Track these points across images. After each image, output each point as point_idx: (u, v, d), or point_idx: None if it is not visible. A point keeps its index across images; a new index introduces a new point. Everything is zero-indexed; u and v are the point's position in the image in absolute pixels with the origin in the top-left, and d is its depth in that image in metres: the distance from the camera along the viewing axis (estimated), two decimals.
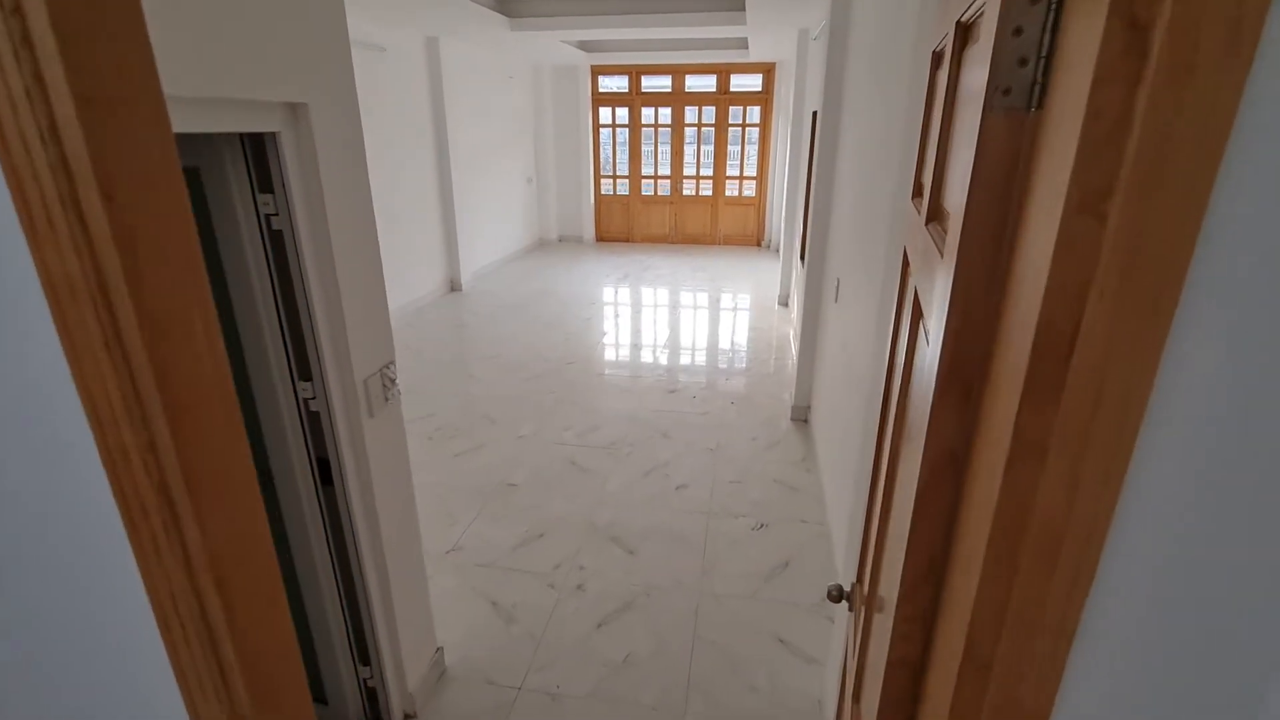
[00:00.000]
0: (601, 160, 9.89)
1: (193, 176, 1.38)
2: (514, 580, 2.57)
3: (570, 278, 7.79)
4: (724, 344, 5.54)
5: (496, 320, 6.11)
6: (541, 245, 9.88)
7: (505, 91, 8.27)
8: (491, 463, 3.48)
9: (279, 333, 1.50)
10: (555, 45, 7.21)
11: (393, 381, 1.71)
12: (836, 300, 3.00)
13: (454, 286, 7.13)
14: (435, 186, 6.69)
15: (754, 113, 9.35)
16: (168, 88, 0.57)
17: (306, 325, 1.48)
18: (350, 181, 1.50)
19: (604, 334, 5.74)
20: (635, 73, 9.32)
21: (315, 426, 1.59)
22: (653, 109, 9.49)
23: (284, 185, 1.37)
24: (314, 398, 1.56)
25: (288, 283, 1.46)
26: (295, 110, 1.35)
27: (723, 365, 5.01)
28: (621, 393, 4.43)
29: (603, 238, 10.15)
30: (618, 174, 9.95)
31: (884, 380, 1.27)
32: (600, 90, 9.51)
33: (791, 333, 5.58)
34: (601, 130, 9.75)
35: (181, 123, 1.11)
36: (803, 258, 5.18)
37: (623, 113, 9.60)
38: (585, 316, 6.21)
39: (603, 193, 10.02)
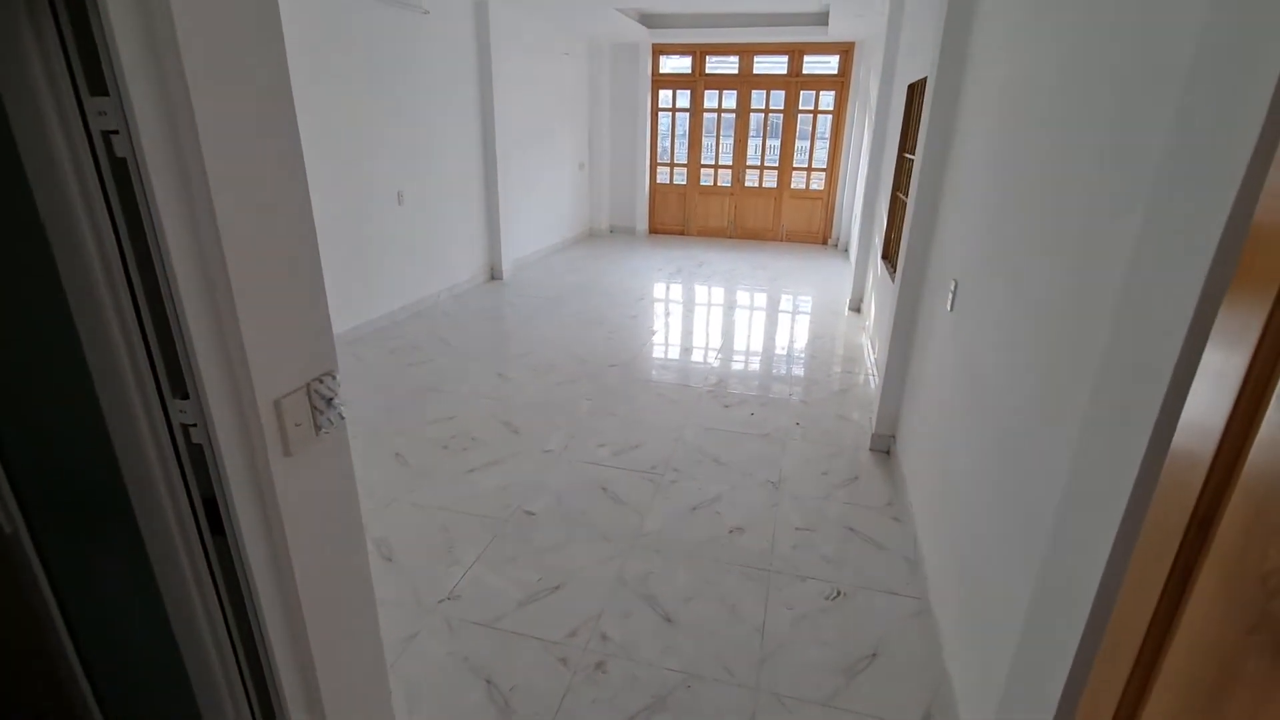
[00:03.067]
0: (659, 147, 9.28)
1: None
2: (517, 649, 2.00)
3: (619, 271, 7.23)
4: (786, 351, 4.86)
5: (536, 314, 5.59)
6: (591, 235, 9.36)
7: (560, 68, 7.76)
8: (510, 483, 2.93)
9: (135, 323, 0.96)
10: (614, 17, 6.64)
11: (329, 402, 1.16)
12: (952, 308, 2.31)
13: (494, 274, 6.67)
14: (479, 166, 6.22)
15: (827, 99, 8.56)
16: None
17: (171, 312, 0.94)
18: (250, 80, 0.94)
19: (652, 333, 5.15)
20: (700, 52, 8.67)
21: (199, 461, 1.06)
22: (717, 93, 8.82)
23: (117, 81, 0.82)
24: (195, 424, 1.02)
25: (144, 244, 0.92)
26: None
27: (784, 376, 4.34)
28: (668, 404, 3.82)
29: (656, 229, 9.55)
30: (675, 162, 9.32)
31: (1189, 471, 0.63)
32: (661, 71, 8.90)
33: (866, 342, 4.86)
34: (661, 115, 9.14)
35: None
36: (887, 258, 4.47)
37: (684, 97, 8.96)
38: (632, 314, 5.63)
39: (659, 181, 9.41)
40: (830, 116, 8.60)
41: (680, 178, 9.34)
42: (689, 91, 8.90)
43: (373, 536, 2.51)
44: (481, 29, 5.83)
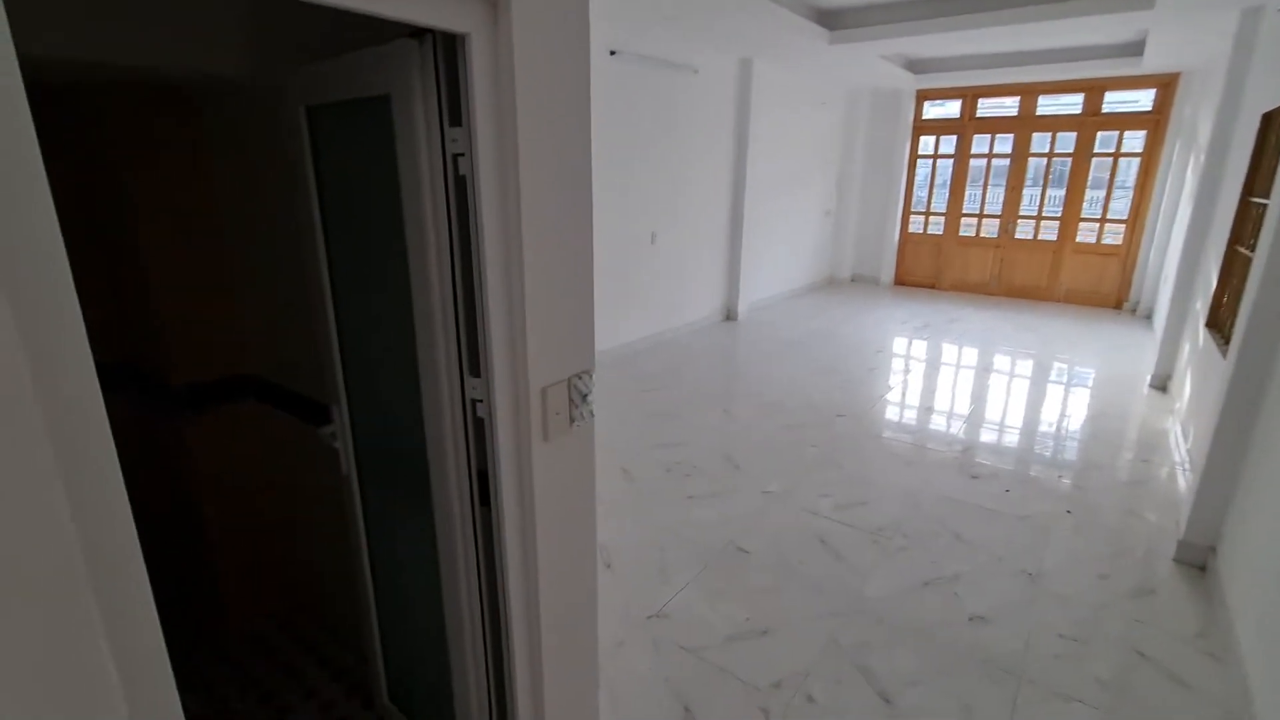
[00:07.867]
0: (915, 195, 8.75)
1: (382, 106, 1.11)
2: (719, 685, 1.95)
3: (858, 322, 6.88)
4: (1056, 428, 4.13)
5: (768, 356, 5.57)
6: (831, 283, 9.10)
7: (814, 118, 7.79)
8: (726, 517, 2.91)
9: (452, 309, 1.16)
10: (878, 64, 6.48)
11: (584, 398, 1.27)
12: None
13: (729, 315, 6.82)
14: (727, 211, 6.48)
15: (1133, 141, 7.28)
16: None
17: (479, 302, 1.12)
18: (561, 119, 1.10)
19: (889, 388, 4.78)
20: (971, 95, 8.03)
21: (480, 434, 1.23)
22: (988, 136, 8.06)
23: (469, 112, 1.02)
24: (482, 400, 1.19)
25: (468, 245, 1.12)
26: (495, 5, 0.99)
27: (1051, 458, 3.69)
28: (902, 465, 3.49)
29: (902, 281, 8.94)
30: (932, 210, 8.67)
31: None
32: (924, 117, 8.43)
33: (1176, 428, 3.92)
34: (920, 161, 8.62)
35: None
36: (1214, 326, 3.60)
37: (949, 142, 8.34)
38: (869, 366, 5.30)
39: (910, 231, 8.84)
40: (1138, 160, 7.29)
41: (936, 227, 8.66)
42: (955, 137, 8.27)
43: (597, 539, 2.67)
44: (743, 85, 6.13)
